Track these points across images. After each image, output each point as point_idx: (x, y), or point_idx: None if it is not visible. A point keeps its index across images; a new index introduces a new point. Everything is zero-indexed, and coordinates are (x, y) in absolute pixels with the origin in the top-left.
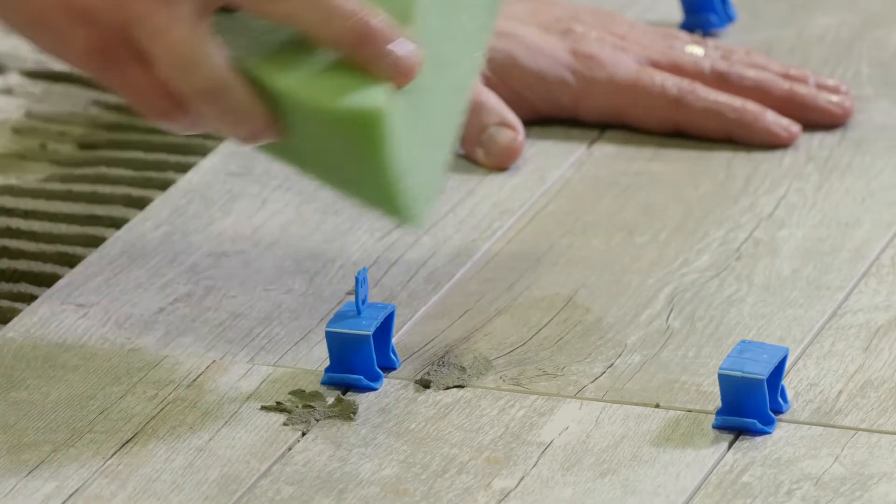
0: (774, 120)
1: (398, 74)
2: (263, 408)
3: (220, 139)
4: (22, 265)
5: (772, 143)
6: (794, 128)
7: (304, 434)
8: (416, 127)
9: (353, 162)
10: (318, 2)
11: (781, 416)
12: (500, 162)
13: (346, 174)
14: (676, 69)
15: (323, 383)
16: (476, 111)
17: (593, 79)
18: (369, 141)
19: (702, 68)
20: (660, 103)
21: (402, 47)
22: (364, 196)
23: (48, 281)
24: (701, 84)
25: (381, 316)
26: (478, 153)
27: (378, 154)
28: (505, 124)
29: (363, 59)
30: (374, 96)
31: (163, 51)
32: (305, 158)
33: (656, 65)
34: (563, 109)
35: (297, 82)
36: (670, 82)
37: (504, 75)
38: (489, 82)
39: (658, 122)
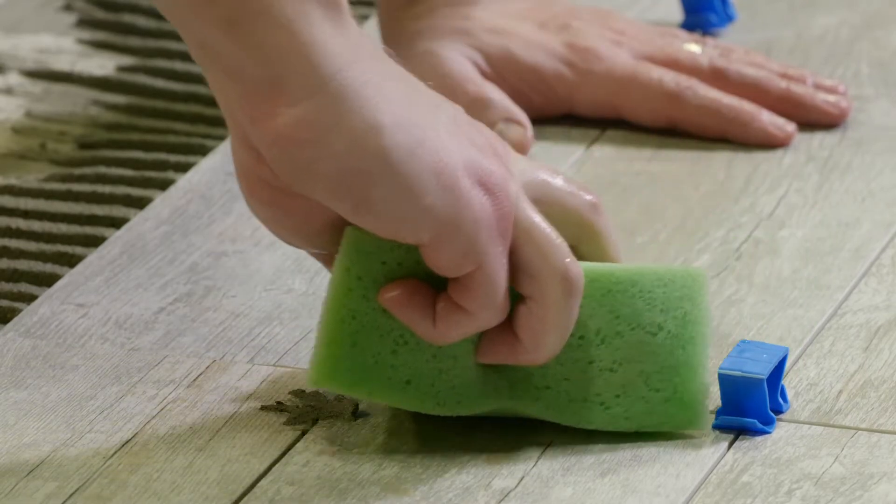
0: (770, 120)
1: None
2: (263, 408)
3: (220, 139)
4: (22, 265)
5: (767, 143)
6: (790, 127)
7: (304, 434)
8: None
9: (658, 341)
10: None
11: (781, 416)
12: None
13: (634, 359)
14: (674, 65)
15: None
16: (482, 107)
17: (590, 71)
18: (698, 297)
19: (699, 64)
20: (656, 98)
21: None
22: (650, 385)
23: (48, 281)
24: (698, 81)
25: None
26: None
27: (703, 315)
28: (512, 120)
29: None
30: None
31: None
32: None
33: (653, 60)
34: (560, 102)
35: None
36: (668, 77)
37: (501, 70)
38: (487, 78)
39: (654, 116)
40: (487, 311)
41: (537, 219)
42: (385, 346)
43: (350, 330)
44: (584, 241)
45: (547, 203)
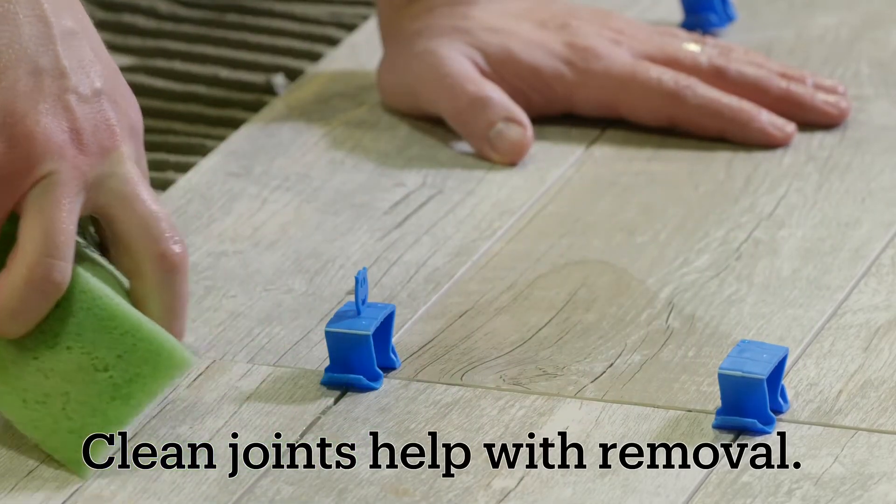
0: (769, 120)
1: None
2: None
3: (220, 139)
4: None
5: (766, 143)
6: (789, 127)
7: (304, 434)
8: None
9: (97, 385)
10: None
11: (781, 416)
12: (510, 158)
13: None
14: (673, 64)
15: (323, 383)
16: (482, 106)
17: (589, 69)
18: (162, 374)
19: (699, 64)
20: (656, 97)
21: None
22: (65, 408)
23: None
24: (697, 79)
25: (381, 316)
26: (487, 150)
27: (153, 388)
28: (512, 119)
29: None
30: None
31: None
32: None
33: (653, 59)
34: (559, 101)
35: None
36: (667, 76)
37: (501, 69)
38: (486, 77)
39: (653, 115)
40: None
41: (143, 196)
42: None
43: None
44: (137, 278)
45: (113, 228)
